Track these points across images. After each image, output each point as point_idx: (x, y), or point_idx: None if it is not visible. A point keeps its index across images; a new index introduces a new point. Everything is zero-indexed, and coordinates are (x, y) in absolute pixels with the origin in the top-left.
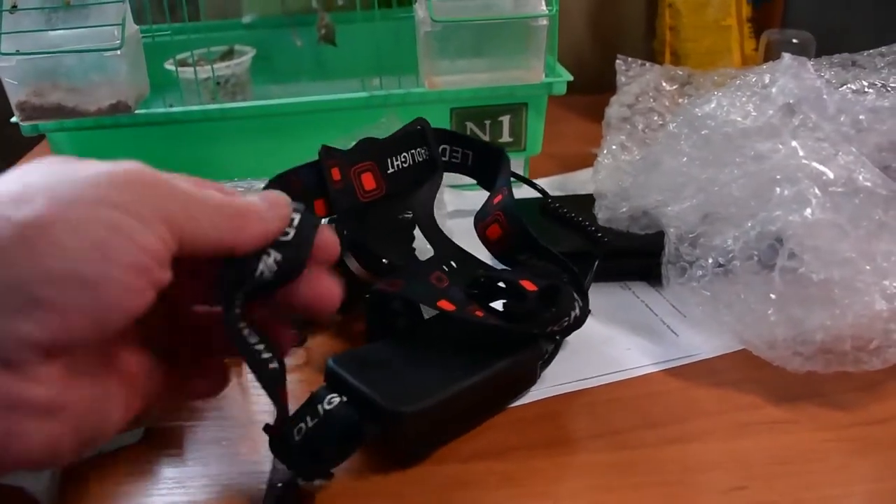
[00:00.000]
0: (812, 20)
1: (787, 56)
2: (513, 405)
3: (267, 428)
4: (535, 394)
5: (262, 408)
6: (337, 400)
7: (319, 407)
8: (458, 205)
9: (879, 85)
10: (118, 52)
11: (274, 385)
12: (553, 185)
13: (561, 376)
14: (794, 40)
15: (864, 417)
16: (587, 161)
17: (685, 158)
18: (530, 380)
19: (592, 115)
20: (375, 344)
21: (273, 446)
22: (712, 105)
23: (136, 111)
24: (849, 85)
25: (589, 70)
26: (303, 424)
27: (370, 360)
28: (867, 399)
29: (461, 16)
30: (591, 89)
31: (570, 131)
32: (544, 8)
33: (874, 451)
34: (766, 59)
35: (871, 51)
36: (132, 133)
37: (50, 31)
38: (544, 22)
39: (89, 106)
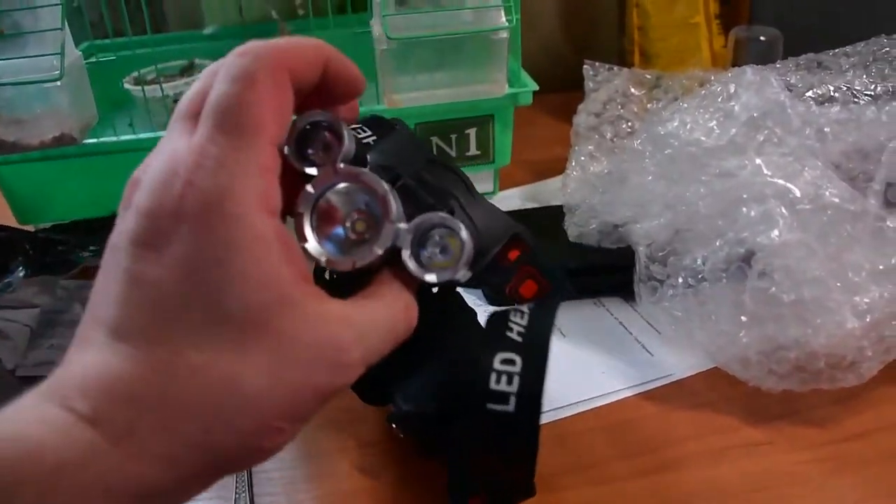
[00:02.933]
0: (779, 16)
1: (749, 70)
2: None
3: None
4: None
5: None
6: None
7: None
8: None
9: (845, 89)
10: (58, 82)
11: None
12: (525, 195)
13: None
14: (762, 37)
15: (840, 434)
16: (560, 166)
17: (650, 177)
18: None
19: (565, 115)
20: None
21: None
22: (675, 123)
23: (86, 140)
24: (815, 89)
25: (561, 67)
26: None
27: None
28: (842, 414)
29: (418, 32)
30: (566, 86)
31: (543, 134)
32: (504, 20)
33: (852, 469)
34: (734, 56)
35: (836, 51)
36: (82, 162)
37: None
38: (505, 34)
39: (32, 139)
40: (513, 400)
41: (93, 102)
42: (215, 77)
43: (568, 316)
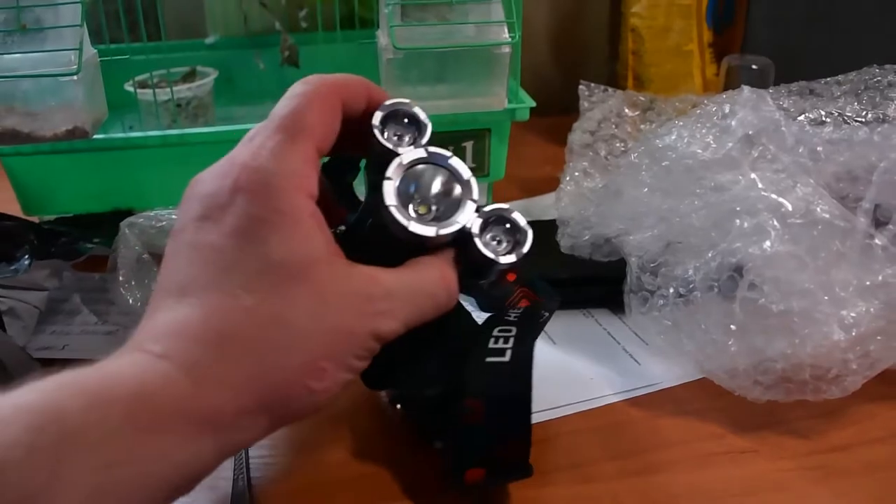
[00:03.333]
0: (771, 45)
1: (746, 89)
2: None
3: None
4: None
5: None
6: None
7: None
8: None
9: (836, 114)
10: (75, 77)
11: None
12: (517, 209)
13: None
14: (754, 66)
15: (824, 445)
16: (550, 185)
17: (646, 189)
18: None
19: (556, 137)
20: None
21: None
22: (672, 136)
23: (95, 136)
24: (806, 114)
25: (552, 92)
26: None
27: None
28: (827, 426)
29: (423, 43)
30: (555, 111)
31: (534, 154)
32: (507, 35)
33: (835, 480)
34: (726, 84)
35: (827, 79)
36: (90, 157)
37: (5, 55)
38: (507, 49)
39: (45, 132)
40: (509, 353)
41: (104, 99)
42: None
43: (558, 325)
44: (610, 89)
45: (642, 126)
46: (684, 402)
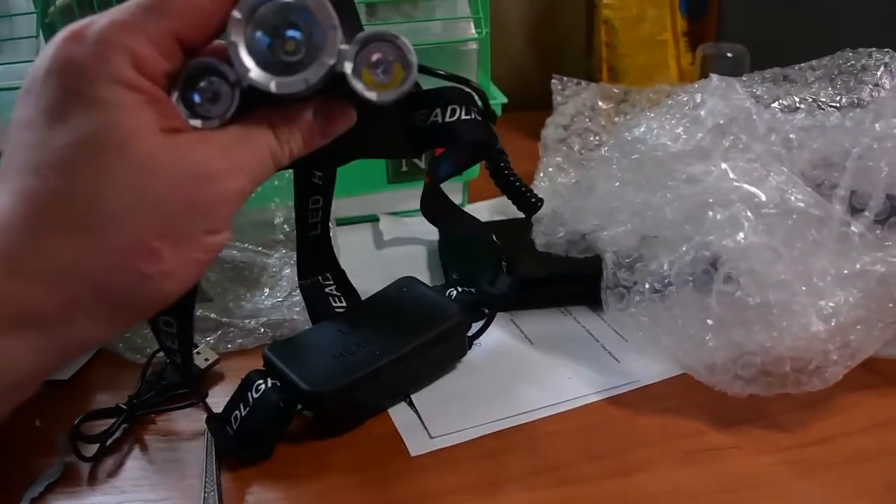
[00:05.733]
0: (746, 33)
1: (714, 77)
2: (447, 445)
3: (207, 420)
4: (473, 431)
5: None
6: (263, 386)
7: (249, 395)
8: (396, 232)
9: (810, 100)
10: None
11: None
12: (493, 208)
13: (501, 410)
14: (729, 54)
15: (806, 438)
16: (527, 181)
17: (618, 183)
18: (460, 352)
19: (533, 132)
20: (314, 328)
21: (216, 437)
22: (642, 129)
23: None
24: (780, 100)
25: (530, 86)
26: (237, 412)
27: (304, 347)
28: (809, 418)
29: None
30: (533, 105)
31: (511, 150)
32: (473, 32)
33: (818, 472)
34: (702, 73)
35: (801, 65)
36: None
37: None
38: (474, 46)
39: (5, 145)
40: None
41: None
42: None
43: (535, 324)
44: (583, 82)
45: (616, 119)
46: (664, 399)
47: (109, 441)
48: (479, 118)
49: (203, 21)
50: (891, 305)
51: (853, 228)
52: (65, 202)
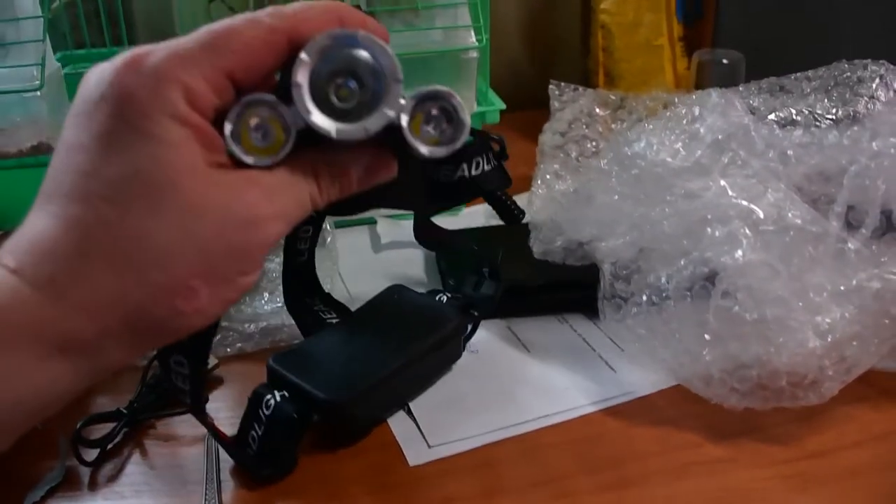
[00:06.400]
0: (742, 38)
1: (714, 93)
2: (446, 455)
3: (226, 447)
4: (471, 441)
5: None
6: (273, 401)
7: (261, 412)
8: (394, 236)
9: (807, 112)
10: (38, 92)
11: None
12: (490, 212)
13: (498, 419)
14: (725, 60)
15: (801, 452)
16: (524, 185)
17: (617, 196)
18: (455, 354)
19: (530, 134)
20: (310, 340)
21: (235, 459)
22: (641, 144)
23: None
24: (777, 112)
25: (526, 87)
26: (253, 432)
27: (307, 356)
28: (804, 431)
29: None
30: (529, 105)
31: (508, 152)
32: (474, 40)
33: (813, 486)
34: (697, 79)
35: (797, 74)
36: None
37: None
38: (474, 54)
39: (10, 147)
40: None
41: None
42: None
43: (532, 331)
44: (581, 88)
45: (613, 125)
46: (661, 410)
47: (110, 445)
48: (497, 162)
49: (256, 62)
50: (886, 321)
51: (849, 245)
52: (113, 235)
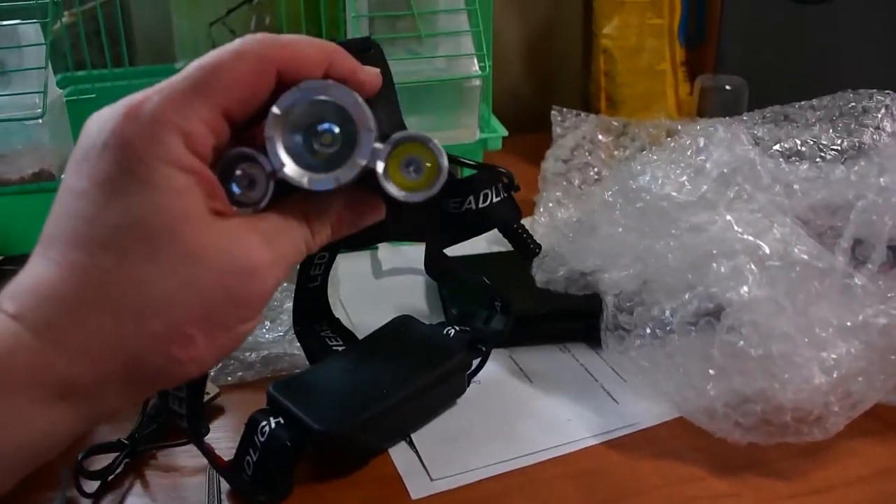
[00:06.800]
0: (744, 63)
1: (720, 126)
2: (448, 488)
3: (221, 471)
4: (473, 474)
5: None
6: (267, 428)
7: (256, 438)
8: (395, 262)
9: (812, 143)
10: (40, 120)
11: None
12: (490, 237)
13: (500, 452)
14: (727, 86)
15: (806, 487)
16: (525, 209)
17: (621, 229)
18: (460, 389)
19: (529, 157)
20: (314, 367)
21: (231, 483)
22: (647, 177)
23: (62, 177)
24: (782, 143)
25: (525, 109)
26: (248, 458)
27: (308, 385)
28: (808, 466)
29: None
30: (528, 128)
31: None
32: (477, 68)
33: None
34: (700, 105)
35: (802, 103)
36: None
37: None
38: (478, 82)
39: (11, 174)
40: None
41: (71, 139)
42: None
43: (534, 361)
44: (583, 114)
45: (616, 152)
46: (664, 442)
47: (111, 477)
48: (507, 194)
49: (248, 96)
50: (893, 357)
51: (856, 280)
52: (111, 282)
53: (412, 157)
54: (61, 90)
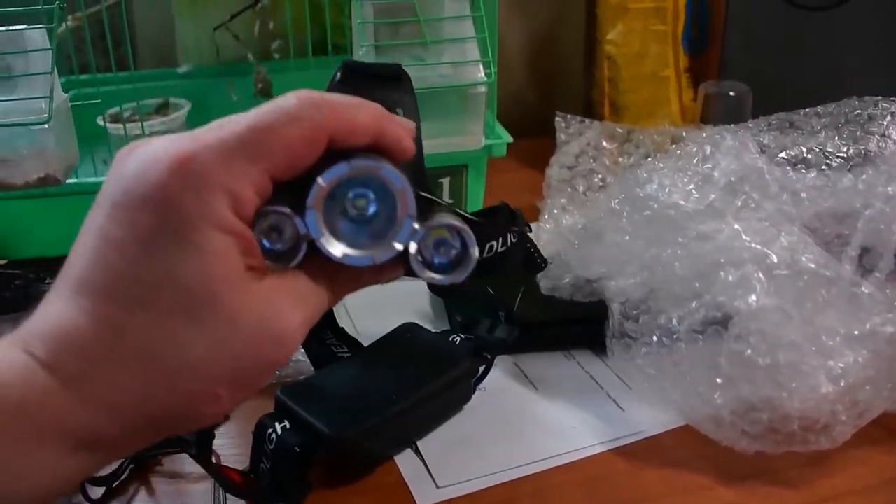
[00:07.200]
0: (748, 70)
1: (728, 135)
2: (455, 496)
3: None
4: (479, 481)
5: None
6: (275, 435)
7: (265, 447)
8: None
9: (818, 150)
10: (46, 125)
11: None
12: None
13: (506, 459)
14: (731, 93)
15: (813, 496)
16: (529, 214)
17: (628, 237)
18: (465, 396)
19: (533, 162)
20: (320, 373)
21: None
22: (654, 186)
23: (67, 180)
24: (788, 150)
25: (528, 114)
26: (262, 465)
27: (316, 389)
28: (815, 474)
29: None
30: (531, 133)
31: (511, 181)
32: (482, 75)
33: None
34: (703, 112)
35: (807, 110)
36: (62, 202)
37: None
38: (483, 89)
39: (16, 179)
40: None
41: (76, 144)
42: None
43: (539, 368)
44: (587, 120)
45: (620, 159)
46: (669, 450)
47: (116, 483)
48: (520, 234)
49: (297, 161)
50: None
51: (863, 289)
52: (147, 341)
53: (442, 240)
54: (66, 94)
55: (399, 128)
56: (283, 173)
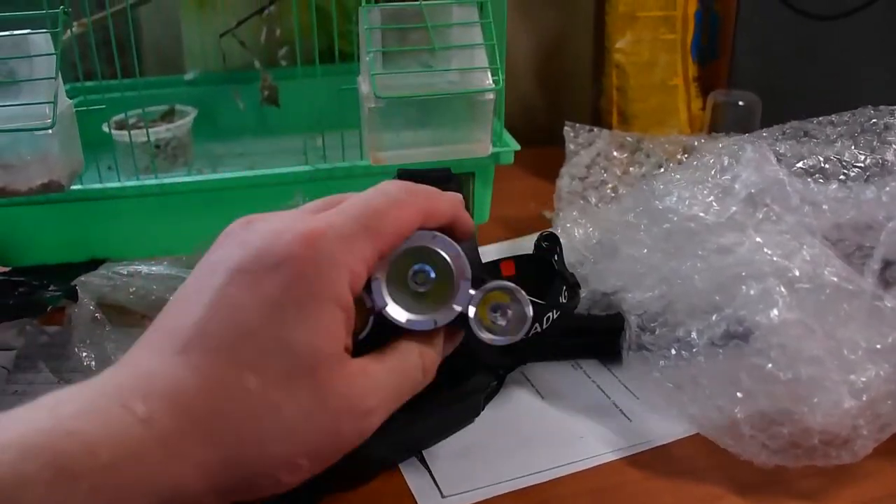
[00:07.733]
0: (757, 78)
1: (749, 147)
2: None
3: None
4: (485, 491)
5: None
6: None
7: None
8: None
9: (835, 160)
10: (50, 130)
11: None
12: (502, 251)
13: (513, 469)
14: (740, 102)
15: None
16: (537, 223)
17: (646, 250)
18: (476, 410)
19: (540, 171)
20: None
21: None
22: (673, 198)
23: (71, 186)
24: (805, 160)
25: (536, 122)
26: None
27: None
28: (831, 485)
29: (406, 91)
30: (539, 141)
31: (519, 190)
32: (490, 82)
33: None
34: (712, 121)
35: (820, 119)
36: (66, 208)
37: None
38: (491, 96)
39: (20, 185)
40: None
41: (80, 150)
42: (351, 195)
43: (546, 378)
44: (596, 129)
45: (631, 168)
46: (679, 461)
47: None
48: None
49: (399, 241)
50: None
51: (886, 302)
52: (250, 404)
53: (499, 304)
54: (70, 100)
55: (467, 217)
56: (388, 251)
